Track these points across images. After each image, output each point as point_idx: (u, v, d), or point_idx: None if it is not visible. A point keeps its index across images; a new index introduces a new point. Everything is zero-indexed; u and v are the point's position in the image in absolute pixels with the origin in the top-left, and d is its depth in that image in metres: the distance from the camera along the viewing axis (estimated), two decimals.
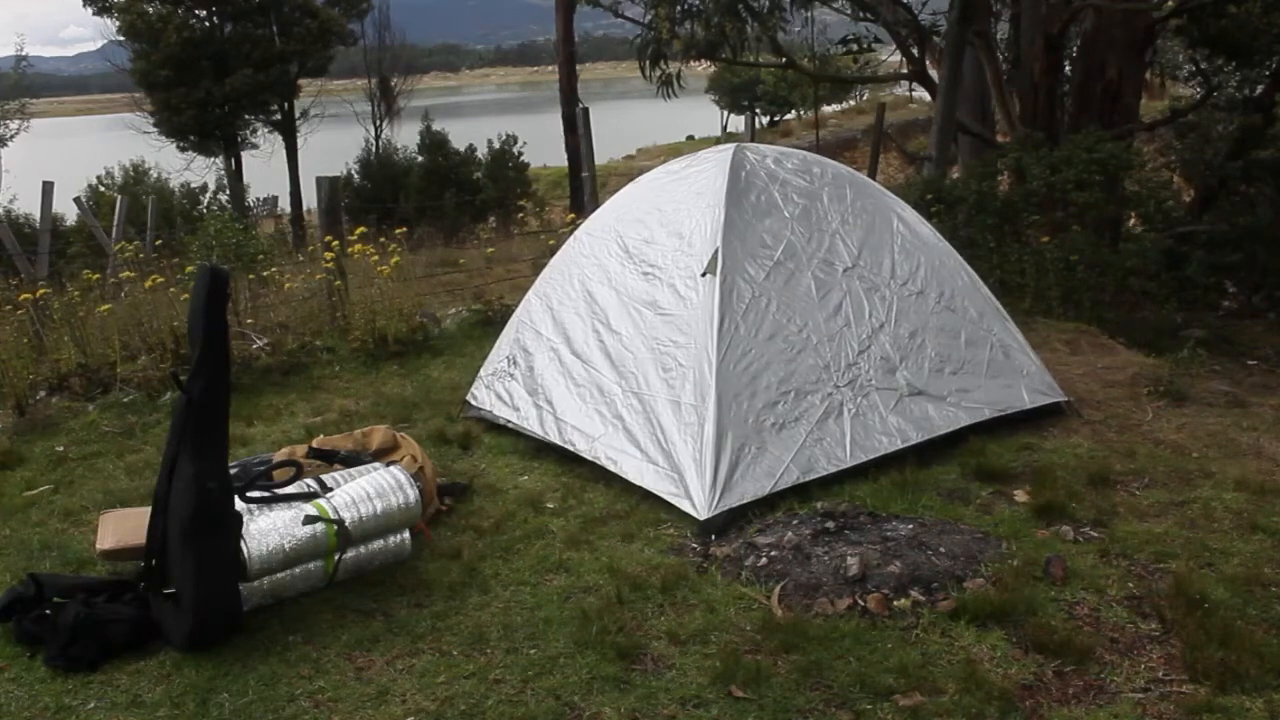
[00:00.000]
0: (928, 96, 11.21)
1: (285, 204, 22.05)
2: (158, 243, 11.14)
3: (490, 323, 6.89)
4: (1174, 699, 2.73)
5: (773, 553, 3.53)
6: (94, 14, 21.78)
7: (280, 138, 23.00)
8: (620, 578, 3.47)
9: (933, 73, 10.23)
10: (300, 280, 7.73)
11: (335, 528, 3.42)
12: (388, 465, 3.85)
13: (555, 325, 4.95)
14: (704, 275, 4.39)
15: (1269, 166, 9.66)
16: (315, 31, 21.94)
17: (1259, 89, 10.60)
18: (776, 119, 39.05)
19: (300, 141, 23.27)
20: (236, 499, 3.34)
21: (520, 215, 17.43)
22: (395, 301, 6.78)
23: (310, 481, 3.70)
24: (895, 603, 3.20)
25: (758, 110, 36.26)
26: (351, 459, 4.07)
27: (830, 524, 3.63)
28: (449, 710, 2.82)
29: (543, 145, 22.34)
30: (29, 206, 14.48)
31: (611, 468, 4.25)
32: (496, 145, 22.02)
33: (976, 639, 3.03)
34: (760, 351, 4.24)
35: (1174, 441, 4.57)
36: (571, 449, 4.46)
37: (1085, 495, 3.96)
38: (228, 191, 20.42)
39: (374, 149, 22.97)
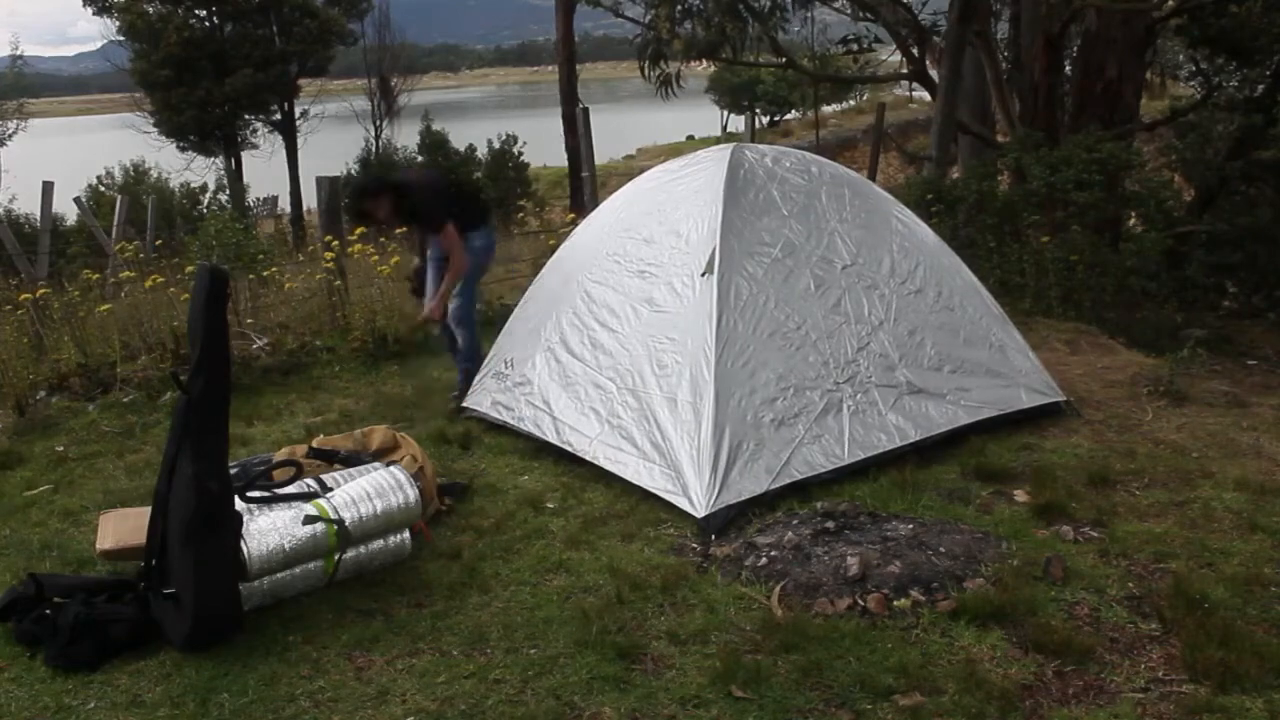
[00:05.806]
0: (928, 96, 11.20)
1: (285, 204, 22.07)
2: (158, 243, 11.15)
3: (490, 323, 6.87)
4: (1174, 699, 2.73)
5: (773, 553, 3.52)
6: (94, 14, 21.83)
7: (280, 138, 23.01)
8: (620, 578, 3.47)
9: (933, 73, 10.22)
10: (300, 280, 7.73)
11: (335, 527, 3.42)
12: (388, 465, 3.85)
13: (552, 324, 4.94)
14: (703, 275, 4.38)
15: (1269, 166, 9.65)
16: (315, 31, 21.95)
17: (1259, 89, 10.59)
18: (776, 119, 39.05)
19: (300, 141, 23.27)
20: (236, 499, 3.34)
21: (520, 215, 17.46)
22: (395, 301, 6.78)
23: (310, 481, 3.70)
24: (895, 603, 3.20)
25: (758, 110, 36.24)
26: (351, 459, 4.08)
27: (830, 524, 3.63)
28: (449, 710, 2.82)
29: (543, 145, 22.35)
30: (29, 206, 14.48)
31: (609, 466, 4.24)
32: (496, 145, 22.04)
33: (976, 639, 3.03)
34: (759, 348, 4.23)
35: (1174, 441, 4.57)
36: (569, 449, 4.46)
37: (1085, 495, 3.96)
38: (228, 191, 20.45)
39: (374, 149, 22.98)
